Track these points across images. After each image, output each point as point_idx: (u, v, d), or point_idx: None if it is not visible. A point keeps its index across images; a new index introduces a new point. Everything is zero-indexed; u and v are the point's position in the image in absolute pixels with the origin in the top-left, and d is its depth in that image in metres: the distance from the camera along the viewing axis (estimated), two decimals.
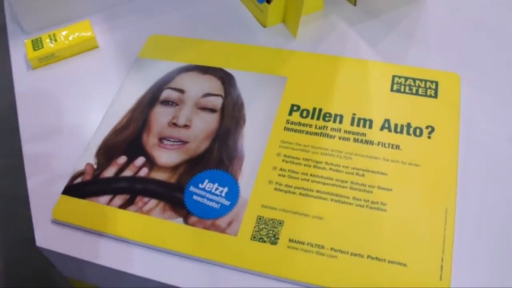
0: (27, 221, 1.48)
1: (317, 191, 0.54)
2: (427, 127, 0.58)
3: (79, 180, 0.58)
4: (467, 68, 0.65)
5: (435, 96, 0.61)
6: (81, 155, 0.60)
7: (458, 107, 0.60)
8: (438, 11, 0.74)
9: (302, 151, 0.57)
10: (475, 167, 0.56)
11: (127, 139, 0.61)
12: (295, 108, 0.61)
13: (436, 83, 0.62)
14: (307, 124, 0.60)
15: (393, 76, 0.63)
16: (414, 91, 0.62)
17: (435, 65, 0.65)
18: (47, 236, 0.55)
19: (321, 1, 0.75)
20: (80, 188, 0.57)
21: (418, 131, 0.58)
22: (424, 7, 0.75)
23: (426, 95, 0.61)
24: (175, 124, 0.61)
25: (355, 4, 0.75)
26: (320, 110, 0.61)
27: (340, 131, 0.59)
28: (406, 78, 0.63)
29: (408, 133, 0.58)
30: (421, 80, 0.62)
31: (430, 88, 0.62)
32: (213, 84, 0.65)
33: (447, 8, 0.74)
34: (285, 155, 0.57)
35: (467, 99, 0.62)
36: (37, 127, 0.65)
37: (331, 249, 0.50)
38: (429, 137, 0.57)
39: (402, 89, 0.62)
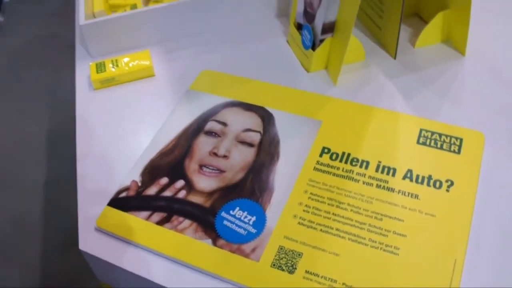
0: (67, 230, 1.54)
1: (337, 230, 0.58)
2: (446, 181, 0.62)
3: (123, 194, 0.64)
4: (493, 128, 0.68)
5: (458, 152, 0.64)
6: (128, 172, 0.67)
7: (479, 165, 0.63)
8: (475, 69, 0.78)
9: (328, 191, 0.62)
10: (489, 225, 0.59)
11: (171, 163, 0.67)
12: (326, 150, 0.66)
13: (461, 139, 0.66)
14: (335, 167, 0.64)
15: (421, 130, 0.67)
16: (438, 146, 0.65)
17: (464, 122, 0.69)
18: (89, 241, 0.61)
19: (363, 52, 0.80)
20: (124, 202, 0.63)
21: (438, 184, 0.61)
22: (462, 66, 0.79)
23: (449, 150, 0.65)
24: (215, 154, 0.67)
25: (394, 58, 0.80)
26: (349, 154, 0.65)
27: (364, 176, 0.63)
28: (433, 133, 0.67)
29: (428, 185, 0.61)
30: (446, 136, 0.66)
31: (454, 144, 0.65)
32: (254, 121, 0.71)
33: (485, 67, 0.78)
34: (311, 193, 0.62)
35: (489, 158, 0.65)
36: (92, 141, 0.72)
37: (343, 284, 0.54)
38: (447, 190, 0.61)
39: (427, 143, 0.66)
